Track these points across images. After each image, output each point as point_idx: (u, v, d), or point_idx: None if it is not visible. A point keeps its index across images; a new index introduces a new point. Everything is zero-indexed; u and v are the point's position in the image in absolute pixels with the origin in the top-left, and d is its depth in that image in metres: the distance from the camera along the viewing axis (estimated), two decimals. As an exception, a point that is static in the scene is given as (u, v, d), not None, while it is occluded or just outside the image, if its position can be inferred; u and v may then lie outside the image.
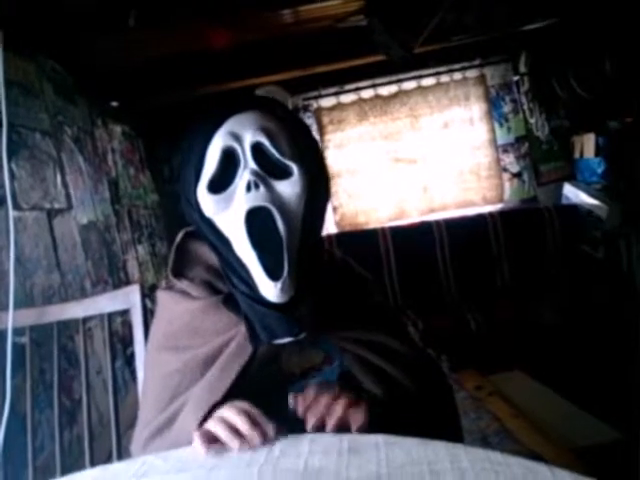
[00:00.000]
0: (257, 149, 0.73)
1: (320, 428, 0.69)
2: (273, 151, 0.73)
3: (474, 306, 2.94)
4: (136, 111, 3.41)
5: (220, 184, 0.74)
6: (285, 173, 0.73)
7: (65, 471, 1.15)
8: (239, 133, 0.73)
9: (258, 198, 0.71)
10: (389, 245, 3.17)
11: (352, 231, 3.62)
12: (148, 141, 3.61)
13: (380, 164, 3.67)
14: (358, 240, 3.22)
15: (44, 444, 1.69)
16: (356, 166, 3.65)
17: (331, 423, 0.69)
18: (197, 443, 0.68)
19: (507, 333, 2.74)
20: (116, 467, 0.71)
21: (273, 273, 0.70)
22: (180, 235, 0.90)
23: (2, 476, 1.11)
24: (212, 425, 0.69)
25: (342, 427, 0.69)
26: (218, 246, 0.76)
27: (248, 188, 0.71)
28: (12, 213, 1.26)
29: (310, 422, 0.69)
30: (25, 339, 1.18)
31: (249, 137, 0.73)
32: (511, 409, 1.96)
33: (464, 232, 3.17)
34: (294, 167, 0.74)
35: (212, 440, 0.68)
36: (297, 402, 0.73)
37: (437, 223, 3.21)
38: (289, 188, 0.73)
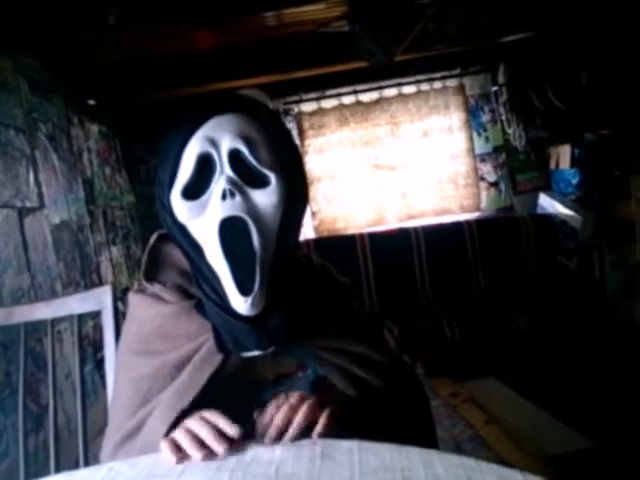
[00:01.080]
0: (234, 156, 0.71)
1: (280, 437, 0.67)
2: (251, 159, 0.71)
3: (450, 313, 2.96)
4: (114, 110, 3.36)
5: (195, 190, 0.71)
6: (262, 182, 0.71)
7: (29, 477, 1.11)
8: (216, 138, 0.71)
9: (233, 207, 0.69)
10: (367, 251, 3.17)
11: (330, 236, 3.61)
12: (125, 141, 3.56)
13: (360, 170, 3.68)
14: (336, 245, 3.22)
15: (9, 449, 1.64)
16: (336, 171, 3.65)
17: (289, 435, 0.67)
18: (165, 451, 0.66)
19: (482, 340, 2.77)
20: (82, 474, 0.69)
21: (244, 287, 0.69)
22: (153, 238, 0.88)
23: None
24: (178, 435, 0.68)
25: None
26: (190, 252, 0.75)
27: (223, 196, 0.69)
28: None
29: (268, 435, 0.67)
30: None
31: (227, 143, 0.70)
32: (485, 416, 1.97)
33: (441, 239, 3.20)
34: (272, 176, 0.71)
35: (179, 449, 0.66)
36: (259, 416, 0.71)
37: (415, 230, 3.23)
38: (266, 198, 0.71)
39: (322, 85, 3.63)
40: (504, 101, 3.67)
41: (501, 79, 3.67)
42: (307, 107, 3.70)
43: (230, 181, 0.70)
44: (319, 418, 0.68)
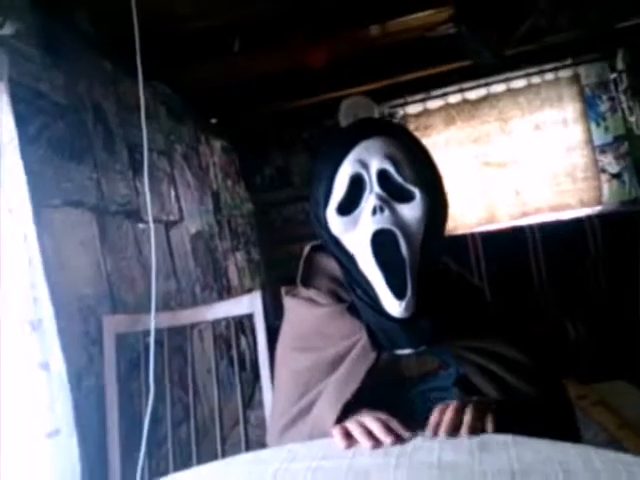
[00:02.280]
0: (382, 175, 0.80)
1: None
2: (397, 177, 0.80)
3: (572, 313, 2.85)
4: (232, 126, 3.62)
5: (347, 206, 0.81)
6: (408, 197, 0.80)
7: (176, 462, 1.29)
8: (366, 161, 0.80)
9: (383, 221, 0.78)
10: (479, 251, 3.13)
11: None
12: (242, 153, 3.82)
13: (469, 168, 3.64)
14: (447, 246, 3.20)
15: (166, 436, 1.86)
16: (444, 171, 3.63)
17: (463, 431, 0.70)
18: (337, 438, 0.74)
19: (608, 340, 2.63)
20: (265, 453, 0.79)
21: (398, 292, 0.77)
22: (307, 249, 0.99)
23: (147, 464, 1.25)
24: (349, 424, 0.75)
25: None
26: (344, 262, 0.84)
27: (374, 211, 0.78)
28: (152, 226, 1.42)
29: (441, 431, 0.71)
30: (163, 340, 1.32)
31: (375, 164, 0.80)
32: (618, 420, 1.90)
33: (560, 236, 3.07)
34: (416, 191, 0.80)
35: (349, 436, 0.74)
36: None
37: (530, 227, 3.13)
38: (411, 211, 0.79)
39: (427, 86, 3.63)
40: (624, 88, 3.45)
41: (620, 65, 3.45)
42: (412, 109, 3.72)
43: (379, 198, 0.79)
44: (486, 422, 0.72)
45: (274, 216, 3.88)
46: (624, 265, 3.00)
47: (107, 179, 1.76)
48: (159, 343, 1.25)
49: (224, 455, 1.21)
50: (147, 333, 1.32)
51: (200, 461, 1.20)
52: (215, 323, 1.32)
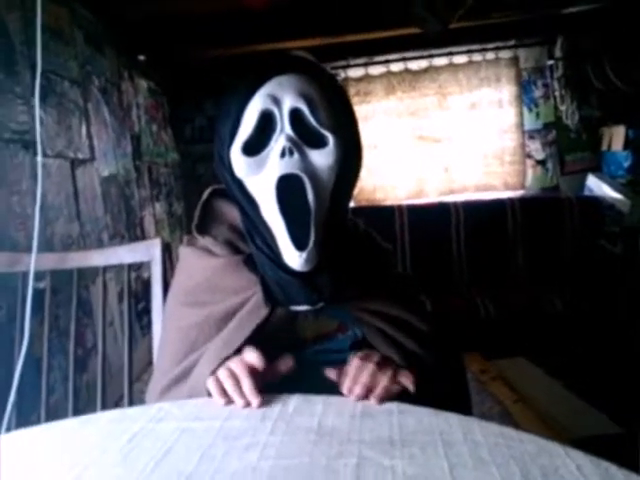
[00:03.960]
0: (295, 115, 0.72)
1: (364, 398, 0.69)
2: (311, 119, 0.72)
3: (485, 291, 2.93)
4: (162, 68, 3.38)
5: (254, 146, 0.73)
6: (320, 142, 0.72)
7: (75, 414, 1.19)
8: (279, 97, 0.72)
9: (291, 165, 0.70)
10: (405, 223, 3.14)
11: (369, 206, 3.60)
12: (172, 99, 3.59)
13: (403, 140, 3.63)
14: (374, 215, 3.19)
15: (55, 388, 1.74)
16: (379, 141, 3.61)
17: (377, 393, 0.69)
18: (214, 394, 0.70)
19: (514, 319, 2.74)
20: (133, 411, 0.73)
21: (299, 243, 0.71)
22: (207, 192, 0.90)
23: (16, 413, 1.14)
24: (221, 376, 0.72)
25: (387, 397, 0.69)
26: (246, 207, 0.77)
27: (282, 154, 0.70)
28: (41, 159, 1.27)
29: (355, 392, 0.69)
30: (44, 284, 1.20)
31: (289, 102, 0.72)
32: (514, 395, 1.97)
33: (482, 216, 3.13)
34: (330, 137, 0.72)
35: (225, 392, 0.70)
36: (338, 375, 0.73)
37: (455, 205, 3.18)
38: (323, 158, 0.72)
39: (370, 51, 3.55)
40: (559, 76, 3.53)
41: (558, 53, 3.52)
42: (354, 73, 3.64)
43: (290, 139, 0.71)
44: (404, 380, 0.71)
45: (202, 170, 3.70)
46: (541, 248, 3.11)
47: (2, 101, 1.56)
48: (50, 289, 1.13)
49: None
50: (38, 276, 1.20)
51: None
52: (129, 272, 1.20)
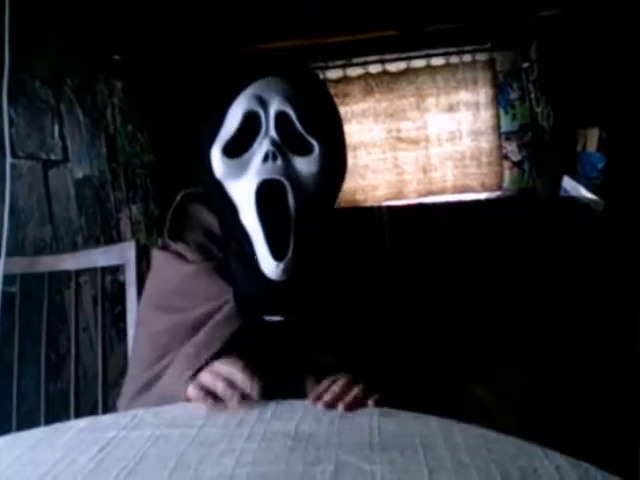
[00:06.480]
0: (281, 119, 0.70)
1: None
2: (297, 124, 0.70)
3: (463, 291, 2.96)
4: (138, 68, 3.33)
5: (236, 148, 0.71)
6: (305, 149, 0.71)
7: (48, 422, 1.15)
8: (265, 98, 0.70)
9: (274, 170, 0.68)
10: (385, 225, 3.16)
11: (348, 207, 3.59)
12: (148, 100, 3.53)
13: (382, 142, 3.64)
14: (354, 217, 3.20)
15: (28, 394, 1.69)
16: (358, 142, 3.62)
17: (346, 400, 0.65)
18: (199, 399, 0.67)
19: (495, 321, 2.76)
20: (106, 418, 0.71)
21: (278, 252, 0.69)
22: (179, 196, 0.88)
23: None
24: (206, 380, 0.69)
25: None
26: (224, 211, 0.74)
27: (265, 158, 0.69)
28: (10, 160, 1.23)
29: (324, 399, 0.65)
30: (15, 288, 1.17)
31: (275, 104, 0.70)
32: (496, 400, 1.98)
33: (460, 217, 3.17)
34: (316, 145, 0.71)
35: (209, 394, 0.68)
36: (311, 389, 0.70)
37: (434, 206, 3.20)
38: (307, 166, 0.70)
39: (348, 53, 3.56)
40: (534, 79, 3.58)
41: (533, 55, 3.57)
42: (332, 74, 3.64)
43: (274, 143, 0.69)
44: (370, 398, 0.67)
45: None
46: (516, 250, 3.15)
47: (-31, 101, 1.51)
48: (23, 293, 1.09)
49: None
50: (8, 280, 1.16)
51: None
52: (103, 276, 1.16)
